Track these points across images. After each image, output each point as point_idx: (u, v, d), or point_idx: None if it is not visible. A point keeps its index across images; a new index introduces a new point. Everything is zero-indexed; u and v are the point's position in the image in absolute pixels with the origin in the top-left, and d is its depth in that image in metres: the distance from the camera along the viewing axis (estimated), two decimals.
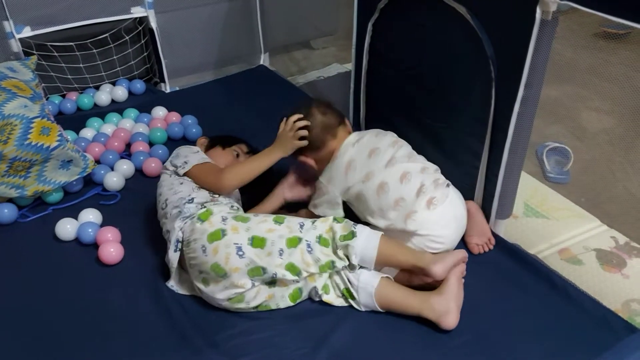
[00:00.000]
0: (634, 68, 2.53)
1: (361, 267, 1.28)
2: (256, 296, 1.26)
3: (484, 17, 1.36)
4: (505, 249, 1.49)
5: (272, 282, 1.27)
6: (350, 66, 1.93)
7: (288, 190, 1.52)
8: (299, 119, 1.45)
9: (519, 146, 1.44)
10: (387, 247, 1.28)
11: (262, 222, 1.28)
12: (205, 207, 1.33)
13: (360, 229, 1.28)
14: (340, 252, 1.26)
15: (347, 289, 1.28)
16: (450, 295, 1.24)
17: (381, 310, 1.27)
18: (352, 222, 1.31)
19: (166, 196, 1.41)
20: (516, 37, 1.29)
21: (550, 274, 1.41)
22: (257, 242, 1.24)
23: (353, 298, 1.27)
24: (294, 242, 1.25)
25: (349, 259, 1.26)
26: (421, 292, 1.27)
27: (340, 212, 1.44)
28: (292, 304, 1.29)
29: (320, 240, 1.26)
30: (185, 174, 1.43)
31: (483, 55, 1.38)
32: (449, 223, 1.38)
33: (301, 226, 1.28)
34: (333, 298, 1.30)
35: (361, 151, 1.44)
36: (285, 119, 1.48)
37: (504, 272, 1.42)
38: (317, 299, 1.30)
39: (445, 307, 1.23)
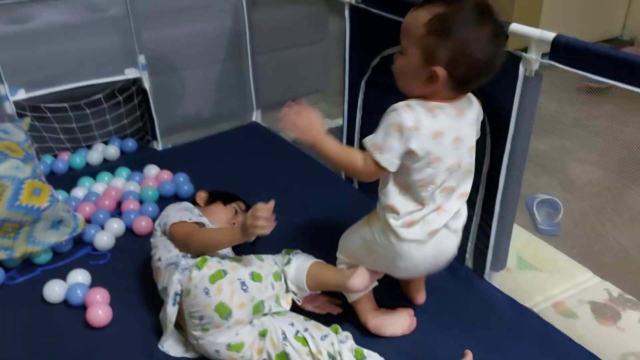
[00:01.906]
0: (617, 121, 2.61)
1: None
2: (252, 346, 1.26)
3: None
4: (500, 302, 1.49)
5: (264, 333, 1.27)
6: (341, 121, 1.96)
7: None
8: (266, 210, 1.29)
9: (510, 198, 1.45)
10: (315, 270, 1.36)
11: (252, 260, 1.35)
12: (201, 257, 1.33)
13: (295, 257, 1.39)
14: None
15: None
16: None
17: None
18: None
19: (160, 254, 1.40)
20: (501, 93, 1.33)
21: (546, 327, 1.40)
22: (257, 276, 1.30)
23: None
24: (277, 276, 1.35)
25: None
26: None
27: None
28: None
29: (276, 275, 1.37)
30: (168, 235, 1.44)
31: None
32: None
33: (275, 262, 1.38)
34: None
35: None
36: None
37: (499, 325, 1.41)
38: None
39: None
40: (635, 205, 2.13)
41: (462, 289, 1.53)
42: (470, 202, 1.51)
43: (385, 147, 1.14)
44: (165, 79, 2.24)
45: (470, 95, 1.22)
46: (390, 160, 1.14)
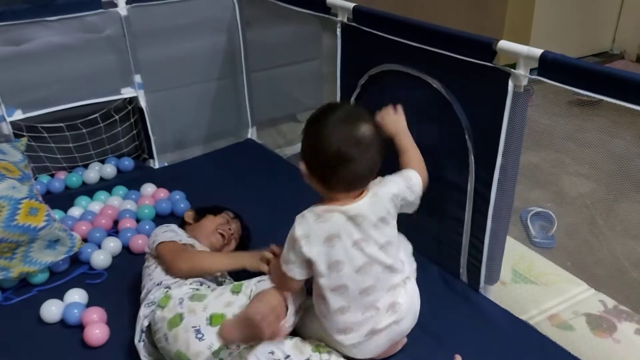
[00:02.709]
0: (608, 133, 2.64)
1: None
2: None
3: (457, 91, 1.43)
4: (496, 315, 1.49)
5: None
6: None
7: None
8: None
9: (502, 212, 1.47)
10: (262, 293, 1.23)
11: (220, 296, 1.25)
12: (167, 290, 1.31)
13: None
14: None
15: None
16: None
17: None
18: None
19: (144, 282, 1.41)
20: (490, 109, 1.35)
21: (542, 340, 1.41)
22: (216, 319, 1.20)
23: None
24: None
25: None
26: None
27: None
28: None
29: None
30: (155, 256, 1.44)
31: (458, 126, 1.44)
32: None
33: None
34: None
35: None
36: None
37: (496, 338, 1.41)
38: None
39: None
40: (628, 216, 2.15)
41: (458, 302, 1.54)
42: (459, 220, 1.53)
43: (287, 259, 1.20)
44: (161, 98, 2.25)
45: (379, 192, 1.21)
46: (293, 270, 1.19)
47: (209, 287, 1.35)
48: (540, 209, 2.12)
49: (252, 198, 1.98)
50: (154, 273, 1.40)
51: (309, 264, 1.18)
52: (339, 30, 1.76)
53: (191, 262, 1.38)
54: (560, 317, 1.58)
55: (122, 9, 2.04)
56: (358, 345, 1.25)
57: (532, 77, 1.25)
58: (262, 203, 1.97)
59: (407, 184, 1.27)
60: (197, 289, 1.31)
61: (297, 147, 2.67)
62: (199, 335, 1.19)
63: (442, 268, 1.63)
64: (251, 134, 2.56)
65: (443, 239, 1.62)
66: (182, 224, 1.64)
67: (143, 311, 1.31)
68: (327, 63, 2.59)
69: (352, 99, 1.80)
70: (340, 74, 1.84)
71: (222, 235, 1.58)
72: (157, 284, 1.35)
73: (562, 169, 2.50)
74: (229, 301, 1.24)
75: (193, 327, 1.19)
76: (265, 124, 2.70)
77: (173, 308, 1.23)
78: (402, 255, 1.31)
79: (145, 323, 1.29)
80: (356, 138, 1.13)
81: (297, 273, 1.20)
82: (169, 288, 1.33)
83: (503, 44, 1.27)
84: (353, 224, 1.18)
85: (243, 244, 1.66)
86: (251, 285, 1.27)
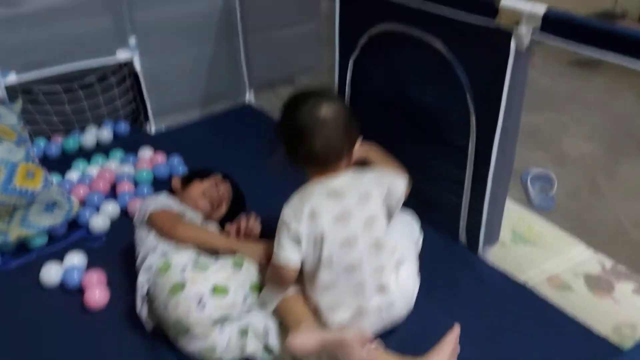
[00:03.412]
0: (609, 94, 2.61)
1: None
2: (227, 347, 1.22)
3: (458, 51, 1.40)
4: (495, 277, 1.50)
5: (244, 331, 1.24)
6: None
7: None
8: None
9: (502, 174, 1.46)
10: (287, 303, 1.25)
11: (222, 269, 1.27)
12: (166, 257, 1.30)
13: None
14: None
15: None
16: None
17: None
18: None
19: (138, 249, 1.40)
20: (492, 69, 1.33)
21: (540, 301, 1.42)
22: (219, 290, 1.22)
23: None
24: (256, 287, 1.29)
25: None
26: (407, 358, 1.18)
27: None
28: (267, 354, 1.24)
29: None
30: (147, 223, 1.42)
31: (459, 87, 1.42)
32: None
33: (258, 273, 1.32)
34: None
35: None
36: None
37: (494, 300, 1.42)
38: None
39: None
40: (628, 177, 2.14)
41: (456, 264, 1.55)
42: (458, 182, 1.52)
43: (280, 246, 1.21)
44: (157, 60, 2.21)
45: (365, 172, 1.26)
46: (287, 258, 1.20)
47: (209, 257, 1.34)
48: (540, 171, 2.11)
49: (250, 163, 1.96)
50: (147, 239, 1.39)
51: (298, 242, 1.19)
52: None
53: (193, 233, 1.37)
54: (558, 278, 1.59)
55: None
56: (347, 325, 1.24)
57: (535, 36, 1.22)
58: (260, 167, 1.96)
59: (391, 184, 1.27)
60: (197, 259, 1.30)
61: None
62: (201, 305, 1.19)
63: (441, 230, 1.63)
64: (248, 97, 2.53)
65: (442, 201, 1.61)
66: (171, 191, 1.62)
67: (141, 277, 1.30)
68: (325, 24, 2.54)
69: (351, 61, 1.77)
70: (339, 34, 1.80)
71: (210, 201, 1.55)
72: (153, 249, 1.34)
73: (563, 129, 2.48)
74: (231, 274, 1.26)
75: (195, 296, 1.19)
76: (263, 87, 2.67)
77: (174, 275, 1.22)
78: (397, 237, 1.30)
79: (145, 289, 1.29)
80: (313, 115, 1.17)
81: (291, 259, 1.20)
82: (166, 253, 1.32)
83: (506, 1, 1.24)
84: (334, 198, 1.20)
85: (237, 206, 1.62)
86: (252, 264, 1.30)
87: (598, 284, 1.56)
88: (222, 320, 1.22)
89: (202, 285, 1.21)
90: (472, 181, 1.51)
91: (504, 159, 1.43)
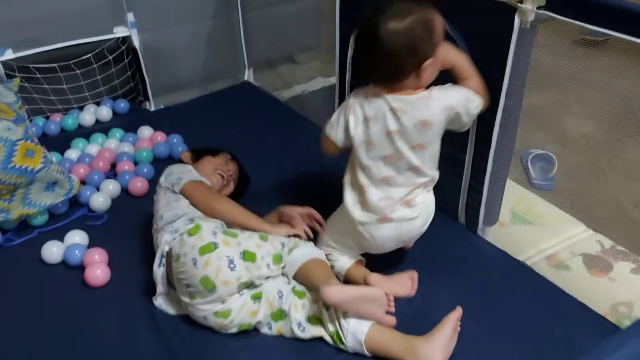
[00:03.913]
0: (613, 74, 2.58)
1: None
2: (241, 311, 1.25)
3: (461, 26, 1.38)
4: (493, 256, 1.51)
5: (258, 296, 1.26)
6: (334, 79, 1.94)
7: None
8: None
9: (503, 154, 1.45)
10: (308, 265, 1.30)
11: (250, 238, 1.30)
12: (194, 222, 1.32)
13: (302, 247, 1.35)
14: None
15: (337, 333, 1.23)
16: (437, 343, 1.18)
17: (368, 354, 1.22)
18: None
19: (162, 212, 1.41)
20: (495, 46, 1.32)
21: (538, 280, 1.43)
22: (248, 256, 1.26)
23: (342, 342, 1.23)
24: (277, 259, 1.31)
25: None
26: (409, 336, 1.21)
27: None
28: (274, 321, 1.27)
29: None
30: (180, 191, 1.44)
31: None
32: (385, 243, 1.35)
33: (282, 245, 1.34)
34: (320, 332, 1.25)
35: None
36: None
37: (493, 279, 1.43)
38: (302, 333, 1.26)
39: (430, 354, 1.17)
40: (629, 158, 2.13)
41: (456, 244, 1.55)
42: (459, 162, 1.51)
43: (333, 123, 1.30)
44: (155, 37, 2.19)
45: (434, 96, 1.22)
46: (336, 134, 1.29)
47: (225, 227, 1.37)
48: (541, 151, 2.11)
49: (250, 142, 1.96)
50: (175, 204, 1.41)
51: (347, 134, 1.27)
52: None
53: (230, 208, 1.41)
54: (557, 257, 1.60)
55: None
56: (369, 227, 1.29)
57: (540, 12, 1.20)
58: (260, 145, 1.96)
59: (468, 104, 1.25)
60: (226, 228, 1.35)
61: (295, 90, 2.63)
62: (232, 265, 1.22)
63: (441, 210, 1.62)
64: (248, 75, 2.51)
65: (442, 180, 1.59)
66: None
67: (165, 237, 1.31)
68: (325, 1, 2.51)
69: (352, 38, 1.75)
70: (339, 11, 1.78)
71: (222, 176, 1.58)
72: (181, 216, 1.36)
73: (564, 109, 2.47)
74: (258, 244, 1.30)
75: (227, 256, 1.23)
76: (263, 66, 2.65)
77: (206, 237, 1.25)
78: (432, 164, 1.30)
79: (166, 248, 1.30)
80: (378, 28, 1.15)
81: (338, 138, 1.29)
82: (195, 219, 1.34)
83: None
84: (393, 115, 1.22)
85: (242, 186, 1.66)
86: (278, 239, 1.34)
87: (596, 264, 1.57)
88: (247, 285, 1.25)
89: (234, 249, 1.25)
90: (473, 161, 1.51)
91: (505, 139, 1.42)
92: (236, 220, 1.39)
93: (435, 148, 1.28)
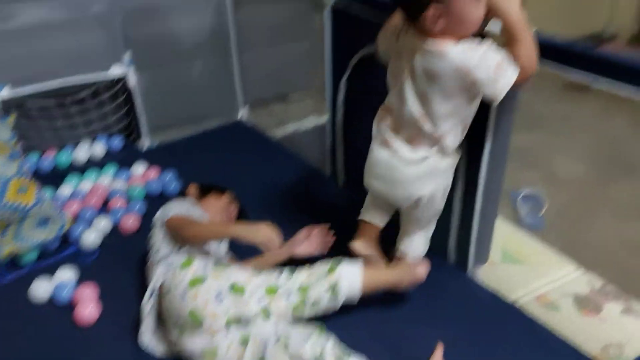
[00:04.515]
0: (600, 117, 2.64)
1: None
2: (228, 351, 1.23)
3: None
4: (483, 296, 1.51)
5: (245, 340, 1.24)
6: (326, 118, 1.97)
7: (298, 245, 1.57)
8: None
9: (492, 193, 1.47)
10: (367, 276, 1.35)
11: (241, 270, 1.32)
12: (188, 255, 1.34)
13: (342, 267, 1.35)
14: (326, 287, 1.32)
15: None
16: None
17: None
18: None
19: (158, 246, 1.42)
20: None
21: (529, 320, 1.42)
22: (237, 289, 1.26)
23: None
24: (271, 290, 1.30)
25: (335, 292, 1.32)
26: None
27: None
28: None
29: (300, 289, 1.31)
30: (165, 226, 1.45)
31: None
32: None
33: (279, 276, 1.33)
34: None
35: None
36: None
37: (483, 319, 1.43)
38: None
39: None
40: (617, 198, 2.16)
41: (445, 283, 1.55)
42: (448, 199, 1.53)
43: (386, 29, 1.33)
44: (151, 76, 2.24)
45: (448, 54, 1.14)
46: (380, 41, 1.37)
47: (219, 261, 1.40)
48: (530, 190, 2.13)
49: (243, 180, 1.97)
50: (169, 239, 1.42)
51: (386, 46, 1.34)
52: (327, 13, 1.74)
53: (194, 232, 1.40)
54: (547, 298, 1.60)
55: None
56: (374, 144, 1.35)
57: None
58: (253, 184, 1.97)
59: (496, 73, 1.12)
60: (219, 260, 1.38)
61: (288, 128, 2.66)
62: (220, 298, 1.23)
63: (431, 249, 1.64)
64: (242, 114, 2.55)
65: None
66: (183, 197, 1.66)
67: (160, 270, 1.33)
68: (318, 43, 2.57)
69: (343, 80, 1.79)
70: (331, 55, 1.82)
71: (226, 216, 1.63)
72: (176, 251, 1.38)
73: (554, 150, 2.51)
74: (250, 276, 1.31)
75: (215, 289, 1.23)
76: (257, 105, 2.69)
77: (197, 270, 1.26)
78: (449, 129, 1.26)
79: (159, 283, 1.31)
80: None
81: (380, 43, 1.36)
82: (189, 253, 1.36)
83: (492, 25, 1.25)
84: (406, 55, 1.23)
85: None
86: (270, 272, 1.35)
87: (587, 304, 1.57)
88: (235, 321, 1.24)
89: (223, 281, 1.26)
90: (462, 200, 1.52)
91: (493, 178, 1.44)
92: (210, 236, 1.41)
93: (440, 108, 1.21)
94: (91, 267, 1.60)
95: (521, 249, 1.80)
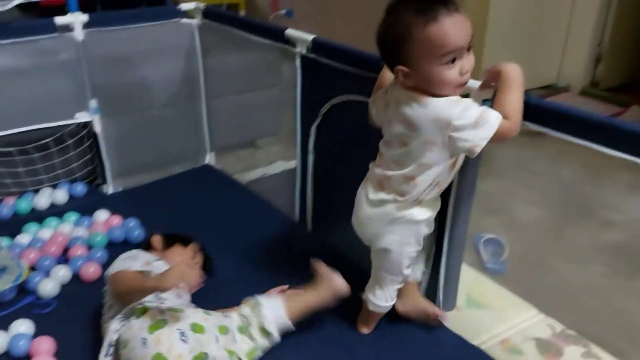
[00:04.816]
0: (557, 162, 2.74)
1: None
2: None
3: None
4: (449, 341, 1.51)
5: None
6: (295, 163, 1.99)
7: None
8: None
9: (458, 239, 1.49)
10: (290, 302, 1.40)
11: (196, 312, 1.34)
12: (141, 304, 1.31)
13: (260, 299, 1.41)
14: (257, 331, 1.36)
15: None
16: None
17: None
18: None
19: (112, 302, 1.39)
20: None
21: None
22: (198, 328, 1.28)
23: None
24: (223, 329, 1.33)
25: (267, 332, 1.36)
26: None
27: None
28: None
29: (240, 328, 1.36)
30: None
31: None
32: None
33: (225, 316, 1.37)
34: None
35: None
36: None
37: None
38: None
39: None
40: (575, 242, 2.23)
41: (412, 328, 1.55)
42: None
43: (374, 98, 1.38)
44: (117, 122, 2.22)
45: (428, 105, 1.15)
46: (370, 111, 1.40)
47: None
48: (492, 235, 2.18)
49: (209, 224, 1.96)
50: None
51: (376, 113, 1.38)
52: (298, 62, 1.78)
53: (120, 287, 1.37)
54: (510, 342, 1.62)
55: (79, 33, 2.02)
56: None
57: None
58: (219, 229, 1.96)
59: (476, 124, 1.13)
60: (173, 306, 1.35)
61: (256, 173, 2.67)
62: (183, 338, 1.23)
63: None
64: (209, 159, 2.55)
65: None
66: (147, 248, 1.63)
67: (114, 325, 1.29)
68: (287, 90, 2.62)
69: (314, 127, 1.82)
70: (300, 103, 1.85)
71: (193, 267, 1.60)
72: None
73: (513, 196, 2.59)
74: (205, 317, 1.33)
75: (178, 329, 1.24)
76: (224, 150, 2.70)
77: (154, 316, 1.26)
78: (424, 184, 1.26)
79: (115, 337, 1.27)
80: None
81: (372, 114, 1.39)
82: (142, 304, 1.32)
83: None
84: (390, 107, 1.27)
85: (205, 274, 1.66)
86: (217, 313, 1.37)
87: (548, 348, 1.59)
88: None
89: (183, 322, 1.27)
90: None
91: (459, 225, 1.47)
92: (131, 294, 1.32)
93: (417, 158, 1.22)
94: (48, 317, 1.55)
95: (485, 293, 1.83)
